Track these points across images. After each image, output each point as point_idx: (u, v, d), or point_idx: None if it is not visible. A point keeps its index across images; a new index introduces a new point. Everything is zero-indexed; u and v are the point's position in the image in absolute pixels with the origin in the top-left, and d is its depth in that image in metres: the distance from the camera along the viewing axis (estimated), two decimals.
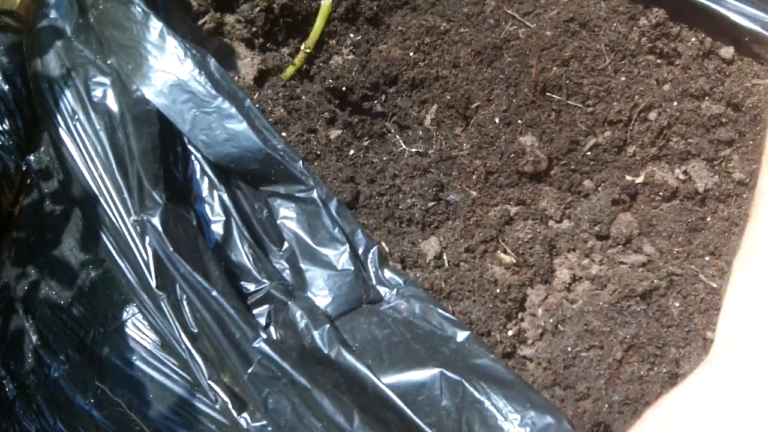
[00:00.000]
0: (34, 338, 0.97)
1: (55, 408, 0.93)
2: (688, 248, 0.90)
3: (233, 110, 0.83)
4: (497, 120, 0.96)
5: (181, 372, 0.87)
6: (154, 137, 0.83)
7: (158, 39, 0.84)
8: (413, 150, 0.95)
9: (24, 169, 1.08)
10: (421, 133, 0.97)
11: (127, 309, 0.93)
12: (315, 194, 0.84)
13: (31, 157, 1.06)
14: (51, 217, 1.03)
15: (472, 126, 0.96)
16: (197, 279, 0.76)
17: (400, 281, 0.84)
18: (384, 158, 0.95)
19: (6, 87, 1.11)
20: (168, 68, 0.83)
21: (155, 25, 0.84)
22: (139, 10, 0.85)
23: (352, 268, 0.83)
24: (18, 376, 0.96)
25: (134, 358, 0.91)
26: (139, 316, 0.90)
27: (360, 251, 0.85)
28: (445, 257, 0.88)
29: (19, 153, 1.10)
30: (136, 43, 0.85)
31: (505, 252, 0.88)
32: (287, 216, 0.86)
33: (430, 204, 0.91)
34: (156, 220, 0.78)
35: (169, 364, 0.89)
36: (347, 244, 0.83)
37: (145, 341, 0.91)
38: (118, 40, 0.85)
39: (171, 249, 0.77)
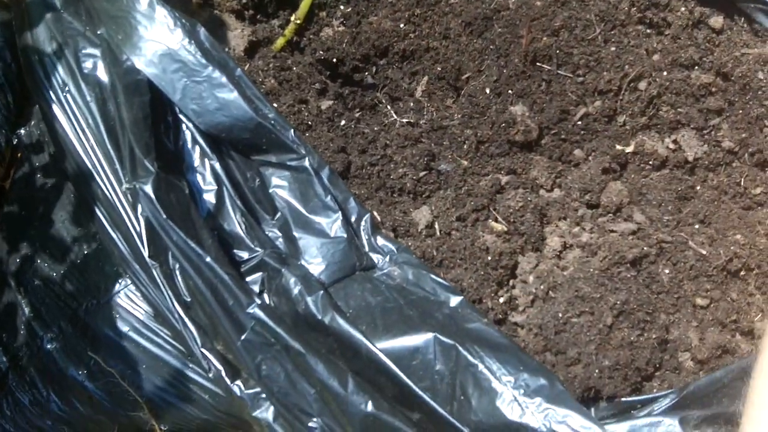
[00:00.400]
0: (26, 311, 0.97)
1: (48, 379, 0.93)
2: (678, 216, 0.90)
3: (224, 79, 0.83)
4: (488, 90, 0.96)
5: (173, 342, 0.87)
6: (145, 106, 0.83)
7: (147, 9, 0.84)
8: (404, 120, 0.95)
9: (15, 143, 1.07)
10: (412, 104, 0.97)
11: (120, 281, 0.93)
12: (307, 162, 0.84)
13: (22, 131, 1.05)
14: (42, 191, 1.03)
15: (463, 96, 0.97)
16: (190, 246, 0.77)
17: (393, 248, 0.84)
18: (375, 129, 0.95)
19: None
20: (158, 38, 0.83)
21: None
22: None
23: (345, 235, 0.83)
24: (11, 349, 0.96)
25: (127, 329, 0.91)
26: (132, 287, 0.91)
27: (353, 219, 0.85)
28: (436, 226, 0.88)
29: (9, 127, 1.10)
30: (125, 13, 0.84)
31: (496, 220, 0.88)
32: (279, 185, 0.86)
33: (422, 174, 0.91)
34: (148, 188, 0.78)
35: (162, 334, 0.89)
36: (339, 212, 0.84)
37: (138, 312, 0.92)
38: (107, 10, 0.85)
39: (164, 216, 0.77)
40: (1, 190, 1.08)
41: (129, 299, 0.93)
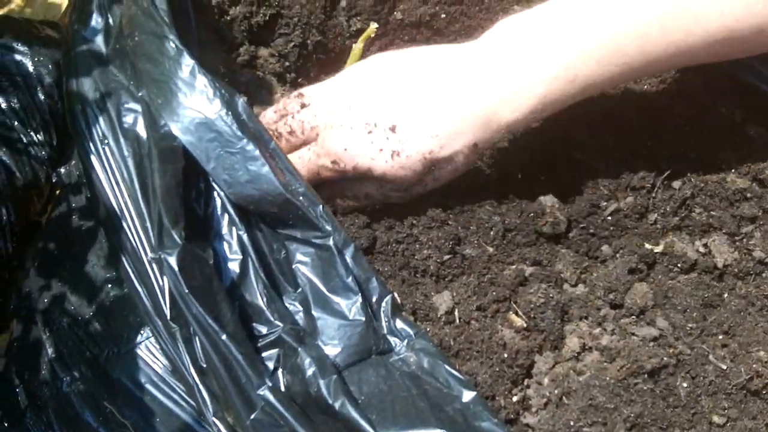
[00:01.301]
0: (50, 351, 0.99)
1: (64, 422, 0.94)
2: (702, 324, 0.89)
3: (257, 152, 0.83)
4: (520, 175, 0.96)
5: (188, 399, 0.88)
6: (177, 174, 0.84)
7: (189, 76, 0.85)
8: (433, 199, 0.95)
9: (54, 180, 1.09)
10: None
11: (142, 332, 0.95)
12: (331, 241, 0.84)
13: (62, 170, 1.07)
14: (77, 232, 1.05)
15: (494, 179, 0.97)
16: (208, 321, 0.77)
17: (411, 333, 0.84)
18: (404, 206, 0.95)
19: (43, 98, 1.13)
20: (196, 106, 0.84)
21: (187, 62, 0.85)
22: (173, 45, 0.86)
23: (363, 318, 0.83)
24: (31, 387, 0.98)
25: (144, 380, 0.92)
26: (153, 339, 0.92)
27: (373, 299, 0.85)
28: (456, 313, 0.88)
29: (51, 164, 1.12)
30: (167, 78, 0.85)
31: (516, 314, 0.88)
32: (302, 261, 0.86)
33: (446, 257, 0.91)
34: (173, 260, 0.79)
35: (178, 390, 0.90)
36: (360, 294, 0.83)
37: (156, 365, 0.92)
38: (150, 73, 0.86)
39: (186, 290, 0.78)
40: (37, 226, 1.11)
41: (149, 351, 0.94)
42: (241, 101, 0.85)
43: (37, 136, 1.14)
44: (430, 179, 0.90)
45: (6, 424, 0.97)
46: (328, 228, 0.85)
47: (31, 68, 1.15)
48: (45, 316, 1.01)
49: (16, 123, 1.13)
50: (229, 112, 0.84)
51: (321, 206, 0.85)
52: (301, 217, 0.84)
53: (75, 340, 0.98)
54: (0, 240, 1.08)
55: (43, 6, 1.32)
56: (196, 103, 0.84)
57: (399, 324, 0.84)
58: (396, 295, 0.86)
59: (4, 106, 1.13)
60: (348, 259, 0.85)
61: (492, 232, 0.93)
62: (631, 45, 0.75)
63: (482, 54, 0.80)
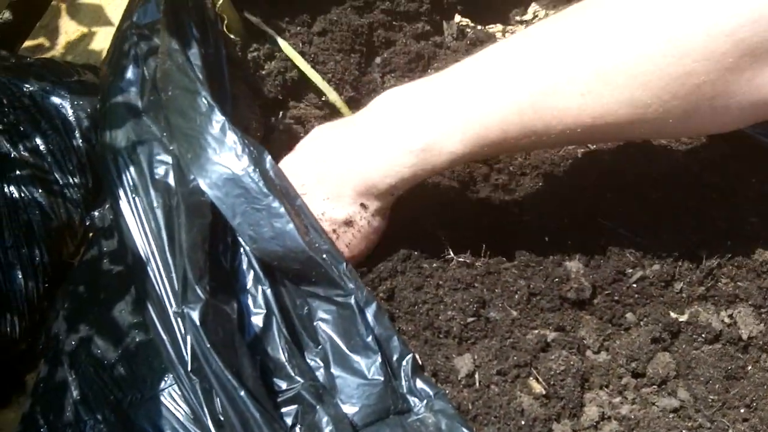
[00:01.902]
0: (75, 393, 1.00)
1: None
2: (724, 397, 0.89)
3: (282, 210, 0.84)
4: (547, 239, 0.96)
5: None
6: (204, 229, 0.85)
7: (219, 133, 0.86)
8: (461, 259, 0.95)
9: (87, 223, 1.11)
10: (470, 241, 0.97)
11: (166, 378, 0.95)
12: (352, 300, 0.85)
13: (96, 213, 1.09)
14: (106, 276, 1.06)
15: (521, 242, 0.97)
16: (227, 376, 0.78)
17: (431, 393, 0.84)
18: (432, 265, 0.95)
19: (81, 142, 1.15)
20: (225, 162, 0.85)
21: (218, 118, 0.86)
22: (205, 102, 0.87)
23: (382, 378, 0.83)
24: (55, 428, 0.99)
25: (166, 427, 0.92)
26: (176, 387, 0.93)
27: (394, 358, 0.85)
28: (477, 377, 0.88)
29: (85, 206, 1.14)
30: (198, 133, 0.87)
31: (536, 380, 0.88)
32: (324, 318, 0.87)
33: (470, 319, 0.91)
34: (195, 315, 0.80)
35: None
36: (379, 353, 0.84)
37: (179, 413, 0.93)
38: (181, 128, 0.88)
39: (207, 344, 0.79)
40: (69, 267, 1.12)
41: (172, 398, 0.94)
42: (268, 158, 0.87)
43: (73, 178, 1.16)
44: (342, 243, 0.93)
45: None
46: (350, 286, 0.85)
47: (70, 112, 1.18)
48: (71, 358, 1.02)
49: (53, 165, 1.15)
50: (257, 169, 0.85)
51: (344, 264, 0.86)
52: (324, 274, 0.85)
53: (100, 384, 0.99)
54: (32, 280, 1.09)
55: (85, 50, 1.35)
56: (225, 159, 0.86)
57: (419, 384, 0.85)
58: (417, 355, 0.87)
59: (42, 148, 1.16)
60: (369, 317, 0.86)
61: (517, 296, 0.93)
62: (493, 129, 0.78)
63: (362, 124, 0.88)
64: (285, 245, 0.85)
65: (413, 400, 0.84)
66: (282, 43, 1.05)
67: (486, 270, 0.95)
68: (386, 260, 0.95)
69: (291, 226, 0.84)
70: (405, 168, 0.83)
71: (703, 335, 0.93)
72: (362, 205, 0.89)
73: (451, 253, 0.96)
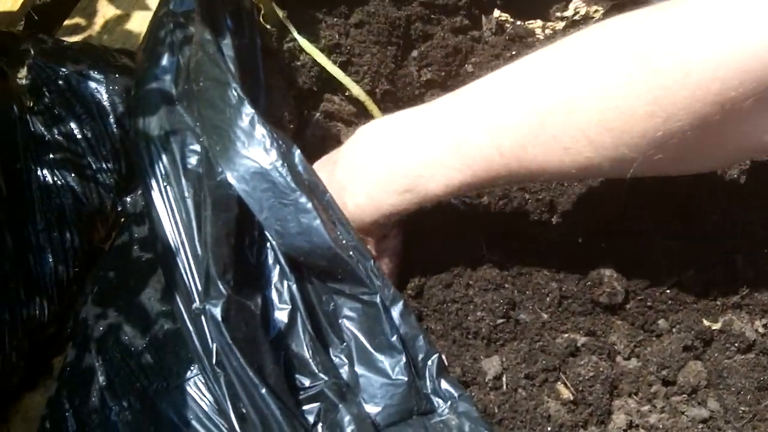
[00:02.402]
0: (101, 379, 1.00)
1: None
2: (755, 408, 0.87)
3: (309, 205, 0.83)
4: (580, 240, 0.94)
5: None
6: (230, 223, 0.85)
7: (248, 126, 0.85)
8: (494, 258, 0.94)
9: (119, 208, 1.11)
10: (502, 242, 0.96)
11: (192, 368, 0.95)
12: (378, 298, 0.83)
13: (128, 199, 1.09)
14: (136, 263, 1.06)
15: (554, 243, 0.95)
16: (248, 374, 0.77)
17: (455, 395, 0.83)
18: (464, 263, 0.94)
19: (115, 128, 1.15)
20: (253, 155, 0.84)
21: (248, 111, 0.85)
22: (235, 94, 0.86)
23: (406, 378, 0.82)
24: (80, 413, 0.99)
25: (191, 417, 0.92)
26: (201, 377, 0.92)
27: (419, 357, 0.84)
28: (504, 379, 0.86)
29: (118, 192, 1.14)
30: (227, 126, 0.86)
31: (565, 386, 0.87)
32: (349, 315, 0.86)
33: (500, 321, 0.90)
34: (217, 311, 0.79)
35: (223, 429, 0.90)
36: (404, 353, 0.83)
37: (204, 403, 0.93)
38: (211, 119, 0.87)
39: (229, 341, 0.78)
40: (100, 252, 1.12)
41: (197, 388, 0.94)
42: (297, 153, 0.86)
43: (107, 163, 1.16)
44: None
45: None
46: (377, 284, 0.84)
47: (105, 96, 1.18)
48: (99, 343, 1.02)
49: (86, 150, 1.15)
50: (285, 164, 0.84)
51: (371, 262, 0.85)
52: (350, 272, 0.84)
53: (126, 371, 0.99)
54: (62, 264, 1.10)
55: (122, 34, 1.35)
56: (253, 152, 0.85)
57: (444, 385, 0.83)
58: (443, 356, 0.86)
59: (76, 132, 1.16)
60: (396, 316, 0.85)
61: (548, 299, 0.92)
62: (478, 171, 0.79)
63: (342, 165, 0.89)
64: (311, 241, 0.84)
65: (437, 401, 0.83)
66: (301, 40, 1.05)
67: (518, 271, 0.94)
68: (416, 257, 0.95)
69: (318, 222, 0.83)
70: (389, 205, 0.85)
71: (736, 344, 0.91)
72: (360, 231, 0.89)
73: (484, 249, 0.95)
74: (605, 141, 0.71)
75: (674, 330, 0.92)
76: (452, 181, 0.80)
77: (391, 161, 0.83)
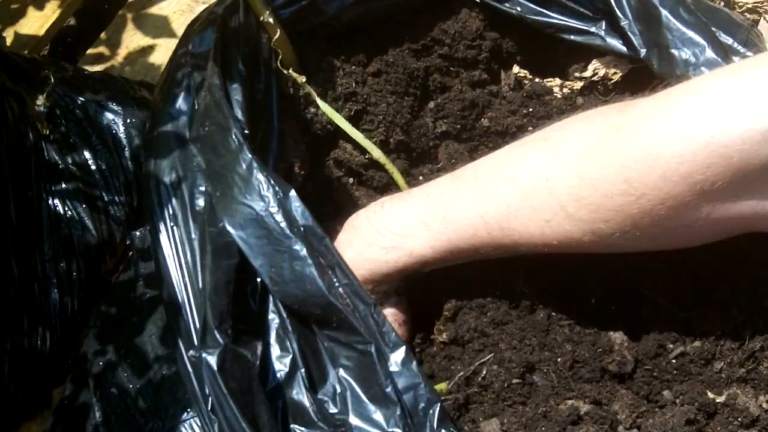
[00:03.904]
0: (98, 415, 1.00)
1: None
2: None
3: (303, 252, 0.83)
4: (593, 300, 0.93)
5: None
6: (230, 271, 0.84)
7: (246, 171, 0.85)
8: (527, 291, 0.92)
9: (128, 242, 1.11)
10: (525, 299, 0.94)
11: (188, 410, 0.95)
12: (372, 348, 0.83)
13: (137, 233, 1.09)
14: (140, 300, 1.06)
15: (575, 300, 0.93)
16: (242, 425, 0.77)
17: None
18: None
19: (130, 161, 1.15)
20: (249, 202, 0.84)
21: (246, 156, 0.85)
22: (235, 139, 0.87)
23: (401, 431, 0.81)
24: None
25: None
26: (197, 419, 0.92)
27: (420, 406, 0.82)
28: None
29: (128, 225, 1.14)
30: (226, 171, 0.86)
31: None
32: (345, 365, 0.85)
33: (514, 381, 0.89)
34: (213, 360, 0.79)
35: None
36: (399, 405, 0.82)
37: None
38: (213, 164, 0.87)
39: (224, 390, 0.78)
40: (106, 284, 1.12)
41: (192, 430, 0.94)
42: (294, 197, 0.85)
43: (119, 196, 1.16)
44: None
45: None
46: (374, 330, 0.83)
47: (121, 128, 1.18)
48: (97, 379, 1.02)
49: (99, 181, 1.16)
50: (281, 210, 0.84)
51: (370, 307, 0.84)
52: (344, 320, 0.83)
53: (123, 409, 0.99)
54: (67, 295, 1.10)
55: (144, 66, 1.36)
56: (250, 198, 0.85)
57: None
58: (444, 406, 0.84)
59: (90, 162, 1.16)
60: (395, 363, 0.83)
61: (560, 360, 0.90)
62: (463, 240, 0.84)
63: (340, 239, 0.93)
64: (305, 289, 0.83)
65: None
66: (322, 104, 1.05)
67: (546, 324, 0.92)
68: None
69: (311, 269, 0.83)
70: (375, 262, 0.89)
71: (739, 419, 0.89)
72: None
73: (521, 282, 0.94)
74: (582, 215, 0.75)
75: (678, 401, 0.90)
76: (437, 243, 0.84)
77: (382, 222, 0.87)
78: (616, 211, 0.73)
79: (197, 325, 0.81)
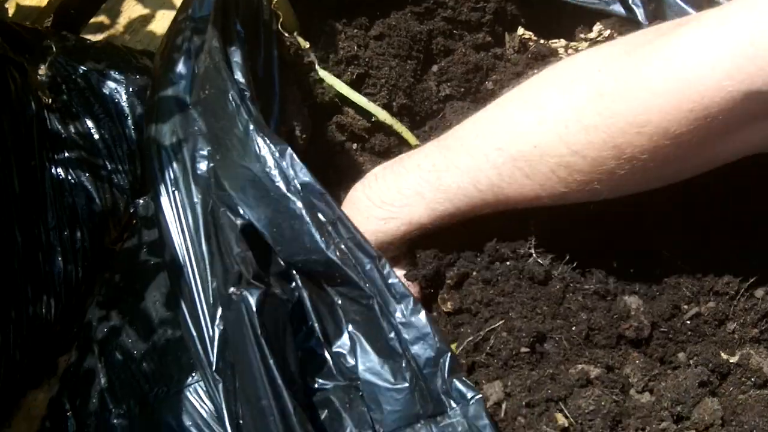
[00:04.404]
0: (102, 381, 0.99)
1: None
2: None
3: (301, 210, 0.82)
4: (606, 265, 0.91)
5: None
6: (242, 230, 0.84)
7: (243, 133, 0.84)
8: (539, 261, 0.90)
9: (132, 211, 1.10)
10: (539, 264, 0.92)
11: (193, 374, 0.94)
12: (374, 302, 0.82)
13: (141, 201, 1.08)
14: (143, 267, 1.05)
15: (590, 261, 0.92)
16: (270, 366, 0.75)
17: (468, 396, 0.79)
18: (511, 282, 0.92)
19: (133, 129, 1.14)
20: (247, 164, 0.84)
21: (243, 118, 0.84)
22: (233, 101, 0.86)
23: (408, 383, 0.80)
24: (80, 414, 0.98)
25: (189, 424, 0.92)
26: (202, 383, 0.91)
27: (431, 356, 0.81)
28: (504, 406, 0.84)
29: (132, 194, 1.13)
30: (224, 134, 0.85)
31: (565, 417, 0.83)
32: (354, 319, 0.85)
33: (523, 350, 0.87)
34: (253, 300, 0.78)
35: None
36: (404, 357, 0.81)
37: (203, 410, 0.92)
38: (212, 127, 0.86)
39: (259, 333, 0.76)
40: (110, 253, 1.12)
41: (197, 394, 0.94)
42: (290, 156, 0.84)
43: (122, 165, 1.15)
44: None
45: None
46: (377, 286, 0.82)
47: (124, 97, 1.17)
48: (102, 346, 1.02)
49: (102, 150, 1.15)
50: (278, 169, 0.83)
51: (371, 262, 0.83)
52: (345, 276, 0.82)
53: (128, 375, 0.99)
54: (71, 263, 1.09)
55: (146, 35, 1.35)
56: (248, 160, 0.84)
57: (456, 385, 0.80)
58: (456, 355, 0.83)
59: (93, 131, 1.15)
60: (401, 315, 0.82)
61: (575, 329, 0.89)
62: (443, 204, 0.85)
63: (361, 191, 0.92)
64: (305, 247, 0.83)
65: (449, 401, 0.80)
66: (323, 73, 1.04)
67: (557, 299, 0.90)
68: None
69: (309, 227, 0.82)
70: (374, 232, 0.88)
71: (752, 379, 0.87)
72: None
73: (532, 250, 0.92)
74: (576, 178, 0.77)
75: (691, 363, 0.89)
76: (434, 212, 0.84)
77: (377, 194, 0.88)
78: (609, 173, 0.75)
79: (218, 277, 0.81)
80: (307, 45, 1.03)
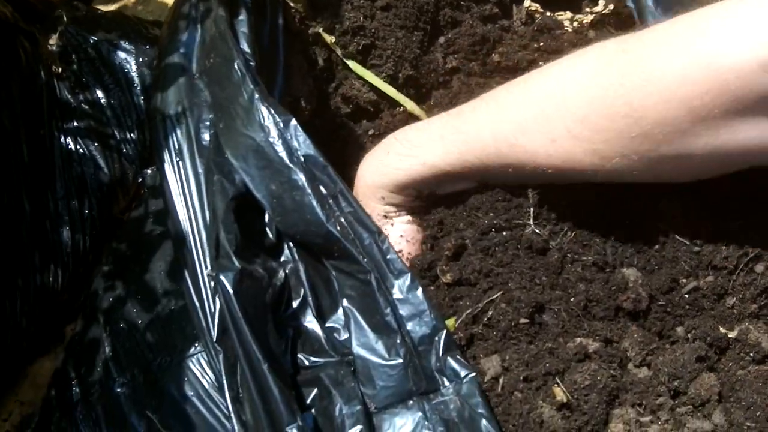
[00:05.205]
0: (107, 350, 1.00)
1: (111, 421, 0.96)
2: (762, 426, 0.83)
3: (303, 182, 0.83)
4: (605, 237, 0.91)
5: (232, 417, 0.87)
6: (238, 201, 0.85)
7: (247, 102, 0.84)
8: (536, 231, 0.90)
9: (140, 180, 1.11)
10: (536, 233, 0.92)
11: (196, 344, 0.95)
12: (371, 276, 0.82)
13: (148, 171, 1.09)
14: (150, 237, 1.06)
15: (585, 241, 0.92)
16: (253, 348, 0.77)
17: (461, 374, 0.80)
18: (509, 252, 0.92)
19: (142, 99, 1.14)
20: (251, 133, 0.84)
21: (248, 87, 0.85)
22: (238, 70, 0.86)
23: (402, 359, 0.80)
24: (85, 383, 0.99)
25: (191, 393, 0.93)
26: (204, 354, 0.92)
27: (426, 333, 0.81)
28: (501, 381, 0.84)
29: (140, 163, 1.14)
30: (228, 103, 0.85)
31: (562, 391, 0.84)
32: (349, 294, 0.85)
33: (522, 321, 0.87)
34: (228, 281, 0.79)
35: (222, 407, 0.90)
36: (400, 333, 0.81)
37: (205, 380, 0.93)
38: (217, 95, 0.86)
39: (238, 313, 0.78)
40: (118, 223, 1.12)
41: (200, 365, 0.94)
42: (294, 127, 0.84)
43: (131, 134, 1.16)
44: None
45: (58, 414, 0.99)
46: (376, 261, 0.83)
47: (134, 67, 1.18)
48: (107, 315, 1.03)
49: (111, 119, 1.15)
50: (281, 139, 0.83)
51: (370, 237, 0.83)
52: (344, 249, 0.83)
53: (132, 344, 1.00)
54: (79, 233, 1.10)
55: (157, 6, 1.35)
56: (251, 130, 0.84)
57: (450, 362, 0.80)
58: (451, 332, 0.83)
59: (102, 101, 1.16)
60: (398, 291, 0.82)
61: (573, 300, 0.89)
62: (473, 153, 0.86)
63: (392, 135, 0.94)
64: (305, 218, 0.83)
65: (442, 379, 0.80)
66: (351, 63, 1.04)
67: (555, 268, 0.90)
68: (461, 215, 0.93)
69: (311, 198, 0.82)
70: (395, 169, 0.90)
71: (750, 354, 0.87)
72: (385, 216, 0.93)
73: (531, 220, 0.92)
74: (585, 135, 0.77)
75: (689, 337, 0.89)
76: (448, 156, 0.86)
77: (404, 135, 0.90)
78: (618, 132, 0.75)
79: (210, 249, 0.81)
80: (317, 27, 1.03)
